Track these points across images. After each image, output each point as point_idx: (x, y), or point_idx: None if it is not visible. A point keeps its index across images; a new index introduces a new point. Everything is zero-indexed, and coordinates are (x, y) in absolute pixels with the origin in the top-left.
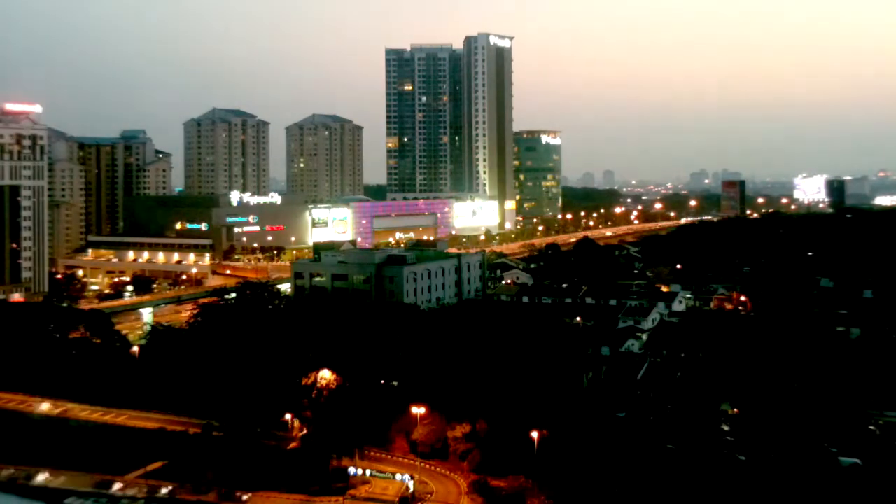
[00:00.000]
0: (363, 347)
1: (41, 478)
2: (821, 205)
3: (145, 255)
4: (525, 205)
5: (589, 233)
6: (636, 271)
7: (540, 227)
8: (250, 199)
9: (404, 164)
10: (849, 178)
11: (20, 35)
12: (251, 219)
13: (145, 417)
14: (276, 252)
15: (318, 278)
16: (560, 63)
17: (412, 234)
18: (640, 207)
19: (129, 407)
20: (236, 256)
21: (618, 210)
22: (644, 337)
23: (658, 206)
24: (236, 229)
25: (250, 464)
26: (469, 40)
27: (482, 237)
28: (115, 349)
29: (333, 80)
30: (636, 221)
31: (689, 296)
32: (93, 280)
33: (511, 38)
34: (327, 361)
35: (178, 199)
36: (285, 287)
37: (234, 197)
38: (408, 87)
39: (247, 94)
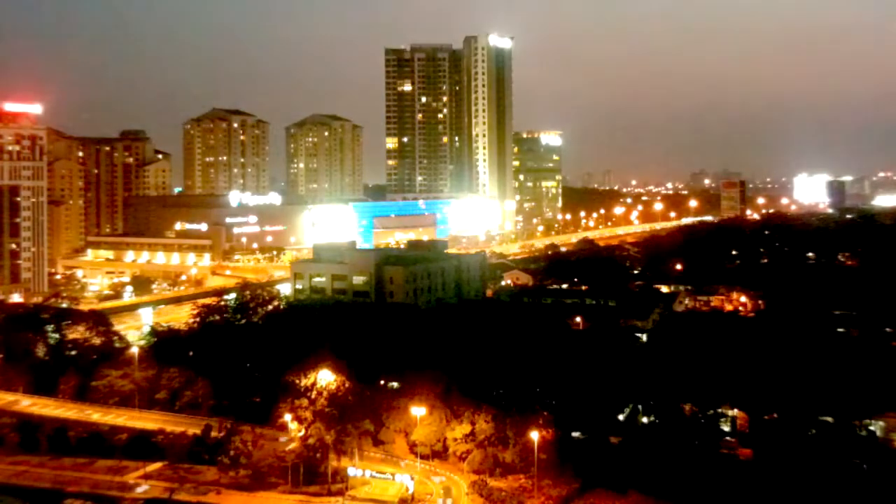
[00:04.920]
0: (363, 348)
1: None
2: (821, 205)
3: (145, 255)
4: (525, 205)
5: (589, 233)
6: (636, 272)
7: (540, 228)
8: (250, 199)
9: (404, 165)
10: (849, 178)
11: (20, 35)
12: (251, 219)
13: (145, 417)
14: (275, 252)
15: (317, 279)
16: (560, 63)
17: (412, 235)
18: (640, 208)
19: (129, 407)
20: (236, 257)
21: (618, 210)
22: (644, 337)
23: (658, 206)
24: (236, 229)
25: (250, 465)
26: (469, 40)
27: (482, 238)
28: (114, 349)
29: (333, 80)
30: (636, 222)
31: (688, 296)
32: (92, 280)
33: (511, 38)
34: (327, 362)
35: (177, 199)
36: (285, 287)
37: (234, 197)
38: (407, 87)
39: (247, 94)
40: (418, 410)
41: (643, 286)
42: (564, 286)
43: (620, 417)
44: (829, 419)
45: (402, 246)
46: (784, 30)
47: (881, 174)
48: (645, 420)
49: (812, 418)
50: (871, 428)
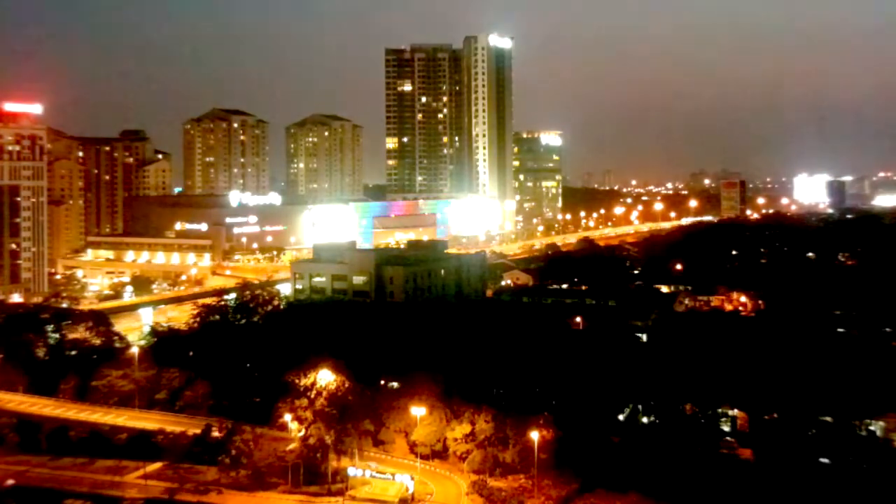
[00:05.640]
0: (363, 348)
1: None
2: (821, 205)
3: (145, 255)
4: (525, 205)
5: (589, 233)
6: (636, 272)
7: (540, 228)
8: (250, 199)
9: (404, 165)
10: (849, 178)
11: (20, 35)
12: (251, 219)
13: (145, 417)
14: (275, 252)
15: (317, 279)
16: (560, 63)
17: (412, 235)
18: (640, 207)
19: (129, 407)
20: (236, 257)
21: (618, 210)
22: (644, 337)
23: (658, 206)
24: (236, 229)
25: (251, 465)
26: (469, 40)
27: (482, 238)
28: (114, 349)
29: (333, 80)
30: (636, 222)
31: (688, 296)
32: (92, 280)
33: (511, 38)
34: (327, 362)
35: (177, 199)
36: (285, 287)
37: (234, 197)
38: (407, 87)
39: (247, 94)
40: (418, 410)
41: (643, 286)
42: (564, 286)
43: (620, 417)
44: (829, 419)
45: (402, 246)
46: (784, 30)
47: (881, 174)
48: (645, 420)
49: (812, 418)
50: (871, 428)
